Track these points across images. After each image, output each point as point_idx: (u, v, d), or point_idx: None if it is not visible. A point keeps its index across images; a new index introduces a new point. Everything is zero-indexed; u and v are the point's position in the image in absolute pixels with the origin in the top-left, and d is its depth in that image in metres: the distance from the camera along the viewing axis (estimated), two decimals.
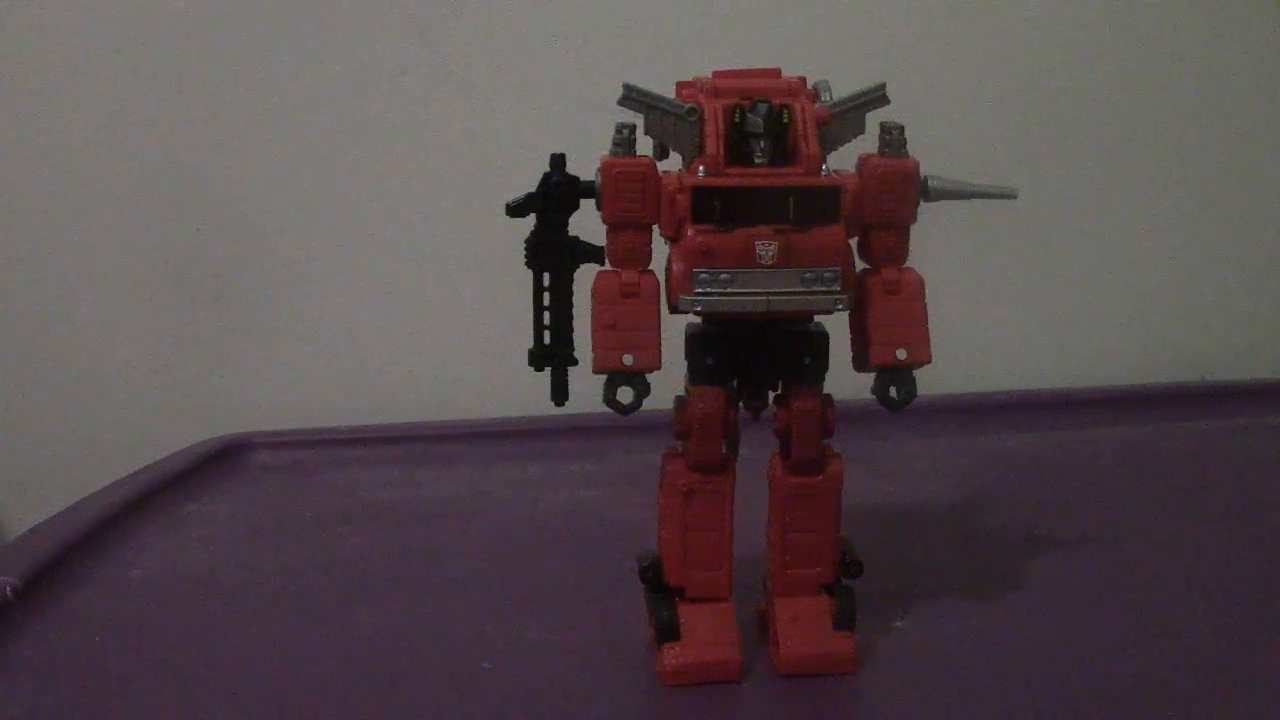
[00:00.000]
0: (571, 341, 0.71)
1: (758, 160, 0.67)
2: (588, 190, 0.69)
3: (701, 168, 0.67)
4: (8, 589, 0.80)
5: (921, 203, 0.70)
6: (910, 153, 0.70)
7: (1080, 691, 0.70)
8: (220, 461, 1.10)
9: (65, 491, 1.00)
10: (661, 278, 0.70)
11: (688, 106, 0.68)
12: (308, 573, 0.88)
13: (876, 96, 0.69)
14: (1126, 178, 1.27)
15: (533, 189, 0.70)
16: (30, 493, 1.18)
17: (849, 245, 0.69)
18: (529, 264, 0.70)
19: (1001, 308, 1.27)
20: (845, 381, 0.71)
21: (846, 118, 0.69)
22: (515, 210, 0.70)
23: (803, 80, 0.70)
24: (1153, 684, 0.71)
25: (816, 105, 0.68)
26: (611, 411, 0.69)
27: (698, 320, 0.70)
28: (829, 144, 0.68)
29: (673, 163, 0.70)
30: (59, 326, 1.22)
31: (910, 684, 0.71)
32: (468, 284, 1.21)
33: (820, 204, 0.67)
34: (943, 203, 0.71)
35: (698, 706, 0.69)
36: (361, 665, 0.74)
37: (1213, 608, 0.80)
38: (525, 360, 0.71)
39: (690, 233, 0.67)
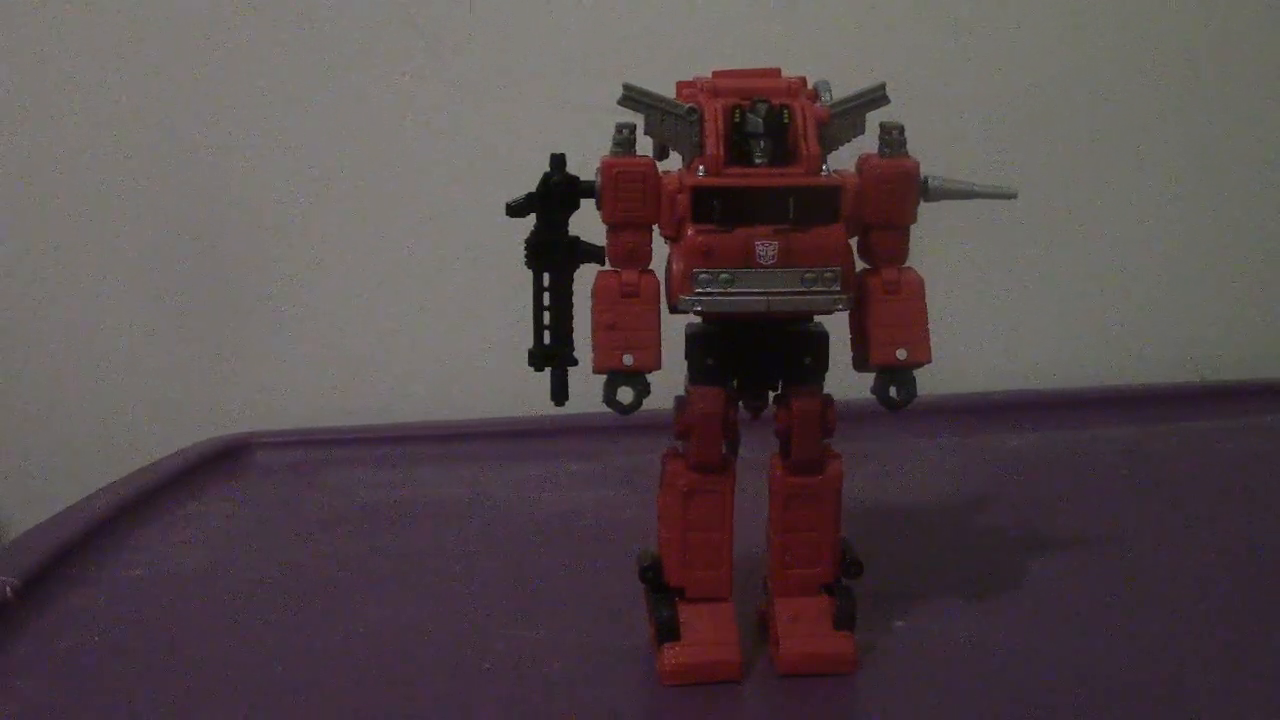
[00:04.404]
0: (571, 341, 0.71)
1: (758, 160, 0.67)
2: (588, 190, 0.69)
3: (701, 168, 0.67)
4: (8, 589, 0.80)
5: (921, 203, 0.70)
6: (910, 153, 0.70)
7: (1080, 691, 0.70)
8: (220, 461, 1.10)
9: (65, 491, 1.00)
10: (661, 278, 0.70)
11: (687, 106, 0.68)
12: (308, 573, 0.88)
13: (876, 96, 0.69)
14: (1126, 177, 1.27)
15: (533, 189, 0.70)
16: (30, 493, 1.18)
17: (849, 245, 0.69)
18: (529, 264, 0.70)
19: (1001, 308, 1.27)
20: (845, 381, 0.71)
21: (846, 118, 0.69)
22: (515, 210, 0.70)
23: (803, 80, 0.70)
24: (1152, 684, 0.71)
25: (816, 105, 0.68)
26: (611, 411, 0.69)
27: (698, 320, 0.70)
28: (829, 144, 0.68)
29: (673, 163, 0.70)
30: (59, 326, 1.22)
31: (910, 684, 0.71)
32: (468, 284, 1.21)
33: (820, 204, 0.67)
34: (943, 203, 0.71)
35: (698, 706, 0.69)
36: (361, 665, 0.74)
37: (1212, 607, 0.80)
38: (525, 360, 0.71)
39: (690, 233, 0.67)
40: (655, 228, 0.69)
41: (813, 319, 0.70)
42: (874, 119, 0.69)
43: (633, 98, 0.68)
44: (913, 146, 0.70)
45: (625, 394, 0.69)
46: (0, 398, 1.23)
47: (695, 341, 0.70)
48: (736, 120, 0.67)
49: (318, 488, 1.07)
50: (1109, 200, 1.27)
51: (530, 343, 0.71)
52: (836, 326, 0.70)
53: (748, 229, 0.67)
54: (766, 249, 0.67)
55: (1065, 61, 1.24)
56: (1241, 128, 1.27)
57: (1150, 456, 1.10)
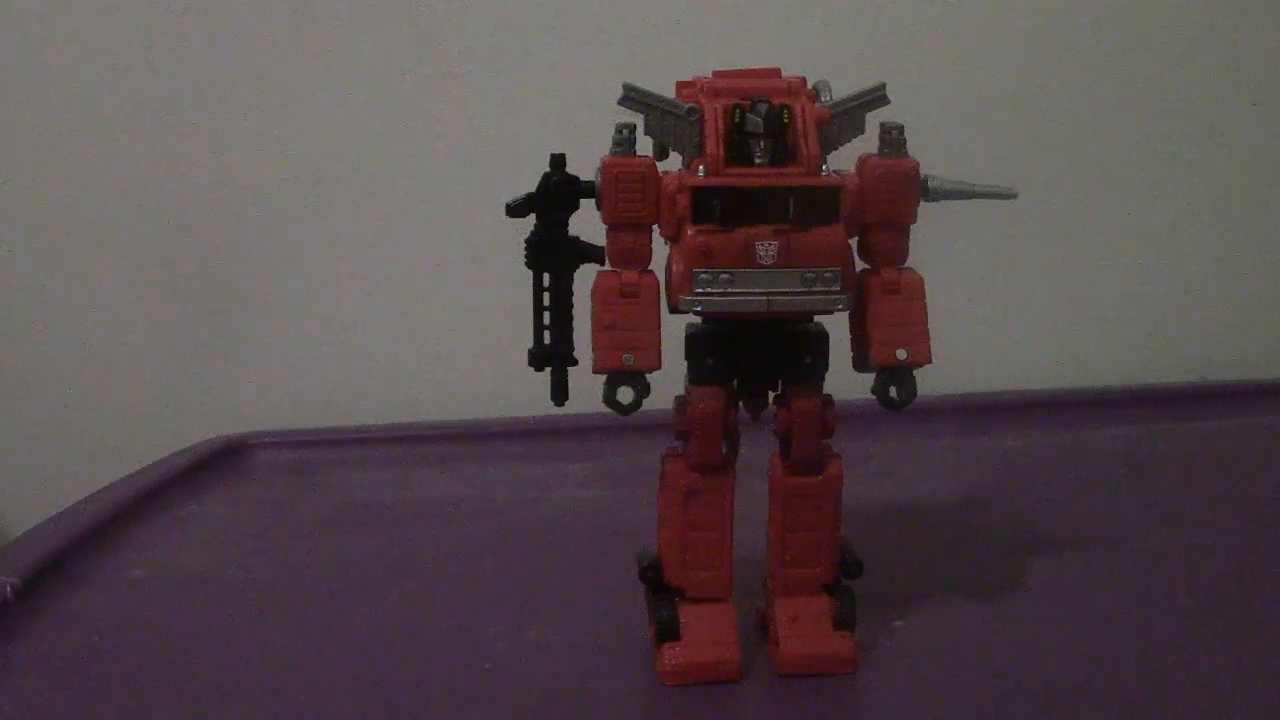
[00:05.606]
0: (571, 341, 0.71)
1: (758, 160, 0.67)
2: (588, 190, 0.69)
3: (701, 168, 0.67)
4: (8, 589, 0.80)
5: (921, 203, 0.70)
6: (910, 153, 0.70)
7: (1079, 691, 0.70)
8: (220, 461, 1.10)
9: (65, 491, 1.00)
10: (661, 278, 0.70)
11: (687, 106, 0.68)
12: (308, 573, 0.88)
13: (876, 96, 0.69)
14: (1126, 178, 1.27)
15: (533, 189, 0.70)
16: (30, 493, 1.18)
17: (849, 245, 0.69)
18: (529, 264, 0.70)
19: (1001, 308, 1.27)
20: (845, 381, 0.71)
21: (846, 118, 0.69)
22: (515, 210, 0.70)
23: (803, 80, 0.70)
24: (1152, 684, 0.71)
25: (816, 105, 0.68)
26: (611, 411, 0.69)
27: (698, 320, 0.70)
28: (829, 144, 0.68)
29: (673, 163, 0.70)
30: (59, 326, 1.22)
31: (910, 684, 0.71)
32: (468, 284, 1.21)
33: (820, 204, 0.67)
34: (943, 203, 0.71)
35: (697, 706, 0.69)
36: (361, 665, 0.74)
37: (1212, 608, 0.80)
38: (525, 360, 0.71)
39: (690, 233, 0.67)
40: (655, 228, 0.69)
41: (813, 319, 0.70)
42: (874, 119, 0.69)
43: (633, 98, 0.68)
44: (913, 146, 0.70)
45: (625, 394, 0.69)
46: (1, 398, 1.23)
47: (695, 341, 0.70)
48: (736, 120, 0.67)
49: (318, 488, 1.07)
50: (1109, 200, 1.27)
51: (530, 343, 0.71)
52: (836, 326, 0.70)
53: (748, 229, 0.67)
54: (767, 249, 0.67)
55: (1065, 62, 1.24)
56: (1241, 128, 1.27)
57: (1150, 456, 1.10)
